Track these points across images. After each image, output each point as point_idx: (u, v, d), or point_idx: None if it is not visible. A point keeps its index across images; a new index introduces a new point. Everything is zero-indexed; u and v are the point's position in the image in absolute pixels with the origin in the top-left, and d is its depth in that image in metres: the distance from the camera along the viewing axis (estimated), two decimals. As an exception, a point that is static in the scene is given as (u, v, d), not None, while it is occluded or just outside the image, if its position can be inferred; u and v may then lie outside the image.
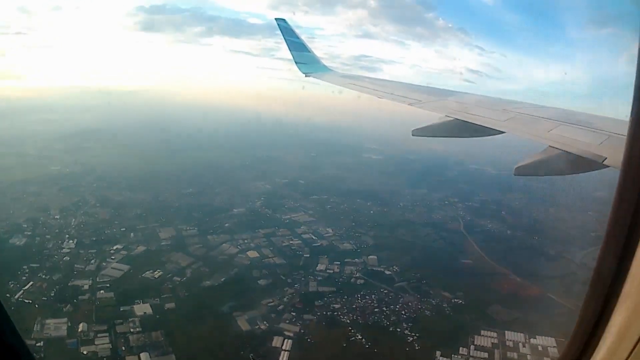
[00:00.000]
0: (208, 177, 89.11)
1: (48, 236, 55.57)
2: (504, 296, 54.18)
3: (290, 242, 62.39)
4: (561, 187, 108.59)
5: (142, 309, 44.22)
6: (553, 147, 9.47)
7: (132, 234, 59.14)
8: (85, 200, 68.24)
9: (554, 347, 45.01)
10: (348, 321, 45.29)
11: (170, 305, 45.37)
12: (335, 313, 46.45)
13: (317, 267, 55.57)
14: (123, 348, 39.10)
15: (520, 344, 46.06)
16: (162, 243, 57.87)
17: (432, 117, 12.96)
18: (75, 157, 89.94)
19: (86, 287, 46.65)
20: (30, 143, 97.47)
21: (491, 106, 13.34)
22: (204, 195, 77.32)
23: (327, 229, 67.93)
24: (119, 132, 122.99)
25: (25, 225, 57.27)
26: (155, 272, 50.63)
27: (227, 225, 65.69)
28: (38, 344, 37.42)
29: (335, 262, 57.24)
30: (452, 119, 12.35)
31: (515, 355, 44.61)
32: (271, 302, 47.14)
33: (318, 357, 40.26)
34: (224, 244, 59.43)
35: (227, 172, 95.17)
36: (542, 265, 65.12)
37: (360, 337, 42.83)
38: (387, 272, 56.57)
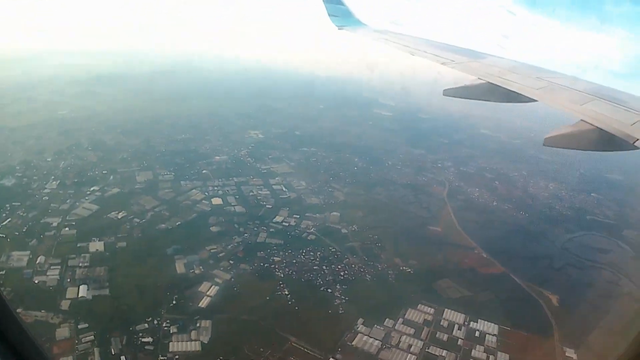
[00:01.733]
0: (206, 124, 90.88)
1: (35, 177, 60.48)
2: (461, 271, 51.31)
3: (259, 192, 62.94)
4: (572, 163, 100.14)
5: (96, 246, 47.81)
6: (585, 121, 9.42)
7: (111, 177, 62.81)
8: (79, 144, 72.82)
9: (494, 335, 42.01)
10: (282, 275, 45.63)
11: (122, 244, 48.53)
12: (273, 266, 46.91)
13: (274, 219, 55.92)
14: (68, 280, 42.91)
15: (456, 326, 42.85)
16: (136, 186, 61.03)
17: (463, 78, 13.04)
18: (83, 102, 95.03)
19: (55, 224, 50.85)
20: (44, 87, 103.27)
21: (525, 73, 13.38)
22: (193, 142, 79.36)
23: (301, 182, 67.54)
24: (135, 77, 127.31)
25: (18, 167, 62.43)
26: (120, 213, 53.94)
27: (204, 172, 67.53)
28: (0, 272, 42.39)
29: (294, 216, 57.20)
30: (484, 82, 12.34)
31: (444, 336, 41.47)
32: (214, 249, 48.70)
33: (237, 306, 41.17)
34: (193, 190, 61.43)
35: (226, 120, 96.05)
36: (517, 243, 60.60)
37: (287, 292, 43.06)
38: (344, 231, 55.55)
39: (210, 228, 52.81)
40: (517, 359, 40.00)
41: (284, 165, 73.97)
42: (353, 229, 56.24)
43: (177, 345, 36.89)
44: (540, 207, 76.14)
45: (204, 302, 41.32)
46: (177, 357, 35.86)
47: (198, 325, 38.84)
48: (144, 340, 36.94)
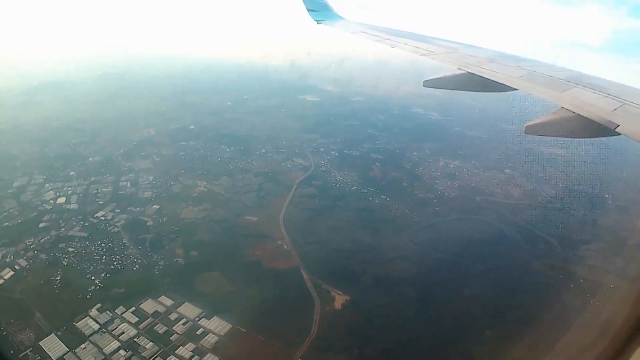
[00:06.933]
0: (110, 126, 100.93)
1: None
2: (241, 264, 53.01)
3: (103, 189, 73.31)
4: (506, 138, 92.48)
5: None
6: (566, 108, 9.61)
7: (-7, 185, 76.29)
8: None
9: (218, 335, 42.75)
10: (65, 264, 54.92)
11: (-37, 243, 62.05)
12: (63, 256, 56.48)
13: (96, 214, 66.05)
14: None
15: (183, 320, 44.45)
16: (9, 191, 73.16)
17: (444, 69, 13.41)
18: (20, 113, 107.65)
19: None
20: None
21: (504, 62, 13.65)
22: (82, 145, 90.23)
23: (150, 177, 76.72)
24: (83, 82, 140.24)
25: None
26: (-22, 217, 67.46)
27: (71, 173, 78.89)
28: None
29: (116, 210, 66.94)
30: (464, 71, 12.68)
31: (162, 329, 43.64)
32: (30, 241, 60.01)
33: (16, 287, 51.79)
34: (50, 191, 72.96)
35: (131, 120, 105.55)
36: (343, 234, 59.50)
37: (57, 279, 52.11)
38: (150, 223, 63.42)
39: (39, 224, 64.17)
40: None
41: (148, 161, 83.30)
42: (161, 221, 63.69)
43: (-42, 316, 50.30)
44: (416, 188, 73.23)
45: (-5, 286, 53.84)
46: (-46, 324, 49.02)
47: (-19, 301, 51.79)
48: (-60, 313, 50.65)
